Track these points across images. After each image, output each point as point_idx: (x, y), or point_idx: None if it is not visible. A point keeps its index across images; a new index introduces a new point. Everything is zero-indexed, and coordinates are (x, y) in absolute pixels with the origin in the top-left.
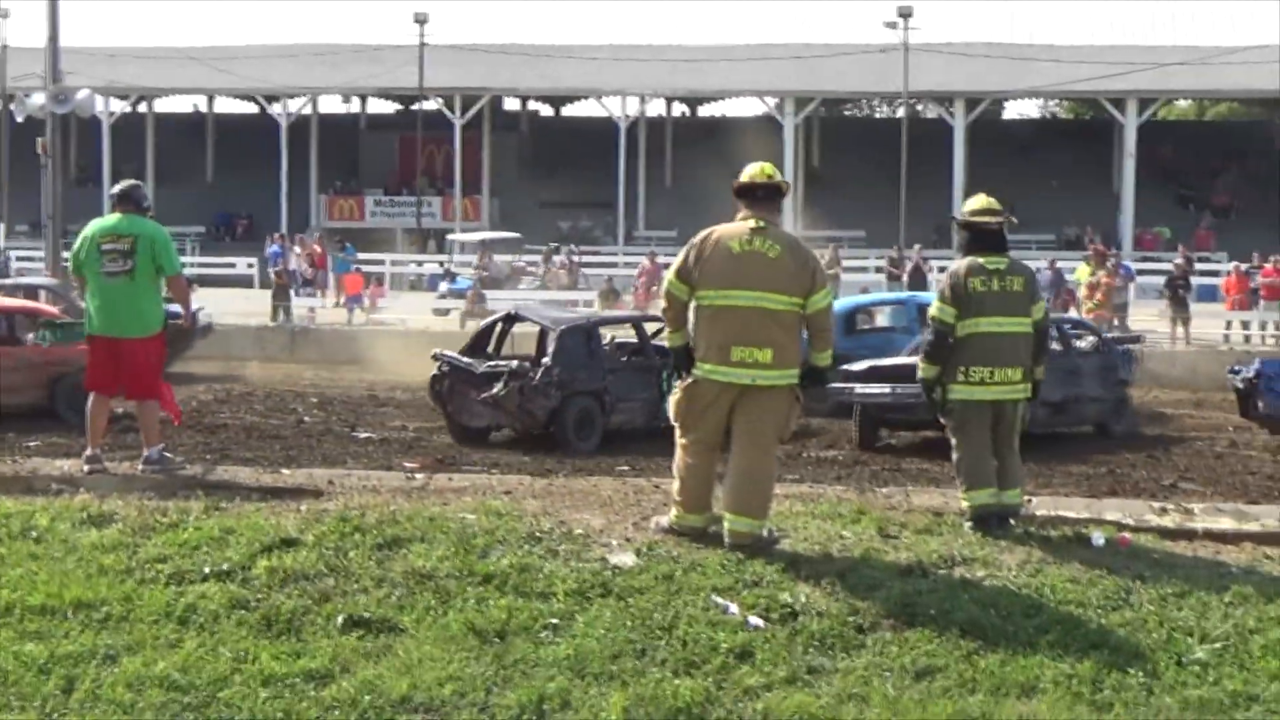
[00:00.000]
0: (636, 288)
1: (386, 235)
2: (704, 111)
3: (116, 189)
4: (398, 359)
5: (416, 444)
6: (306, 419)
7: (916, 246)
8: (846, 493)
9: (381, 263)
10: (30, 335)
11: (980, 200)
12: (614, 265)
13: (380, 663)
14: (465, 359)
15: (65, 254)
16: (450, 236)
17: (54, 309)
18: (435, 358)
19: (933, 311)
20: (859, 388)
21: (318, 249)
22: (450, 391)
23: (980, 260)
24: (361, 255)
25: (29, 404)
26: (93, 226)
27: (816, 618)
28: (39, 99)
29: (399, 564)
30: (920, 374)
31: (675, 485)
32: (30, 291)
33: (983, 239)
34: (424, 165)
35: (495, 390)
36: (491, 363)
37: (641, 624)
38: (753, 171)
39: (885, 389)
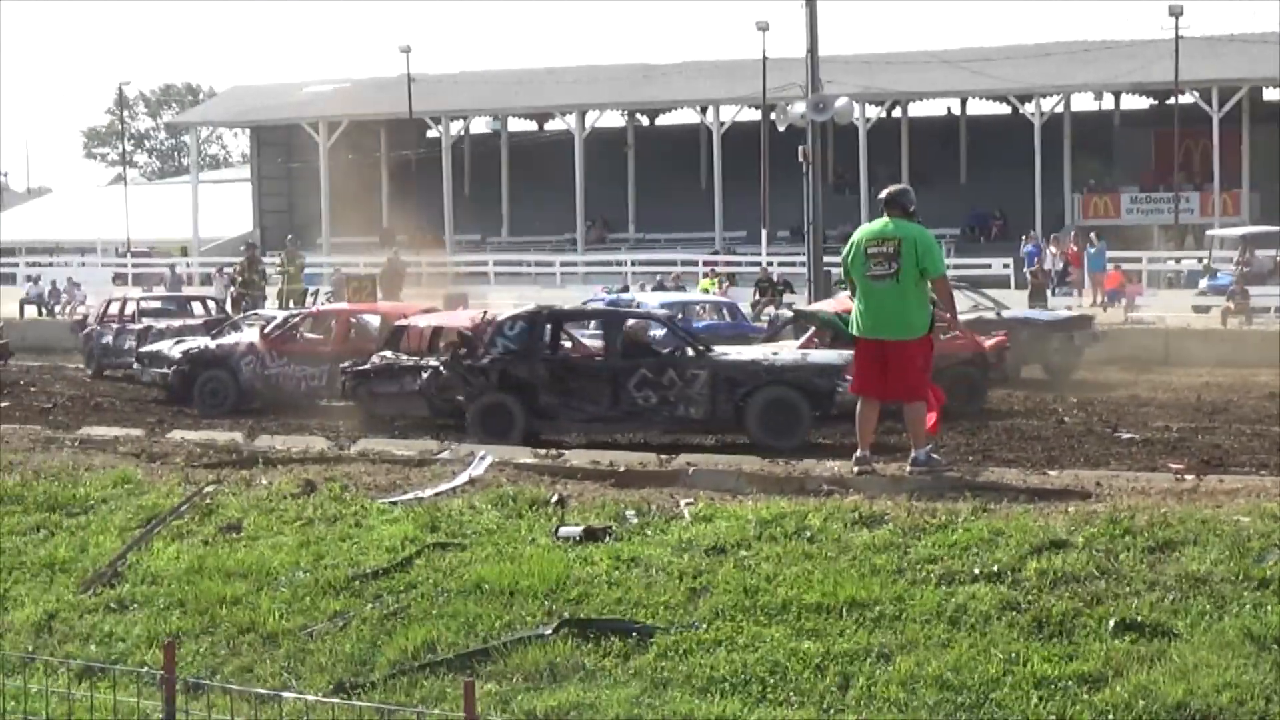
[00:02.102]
0: None
1: (1143, 232)
2: None
3: (884, 193)
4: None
5: (1181, 444)
6: (1067, 419)
7: None
8: None
9: (1138, 260)
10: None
11: None
12: None
13: (1154, 668)
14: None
15: (828, 258)
16: (1210, 232)
17: None
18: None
19: None
20: None
21: (1073, 247)
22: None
23: None
24: (1117, 253)
25: None
26: (860, 231)
27: None
28: (799, 108)
29: (1171, 567)
30: None
31: None
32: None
33: None
34: (1181, 160)
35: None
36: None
37: None
38: None
39: None
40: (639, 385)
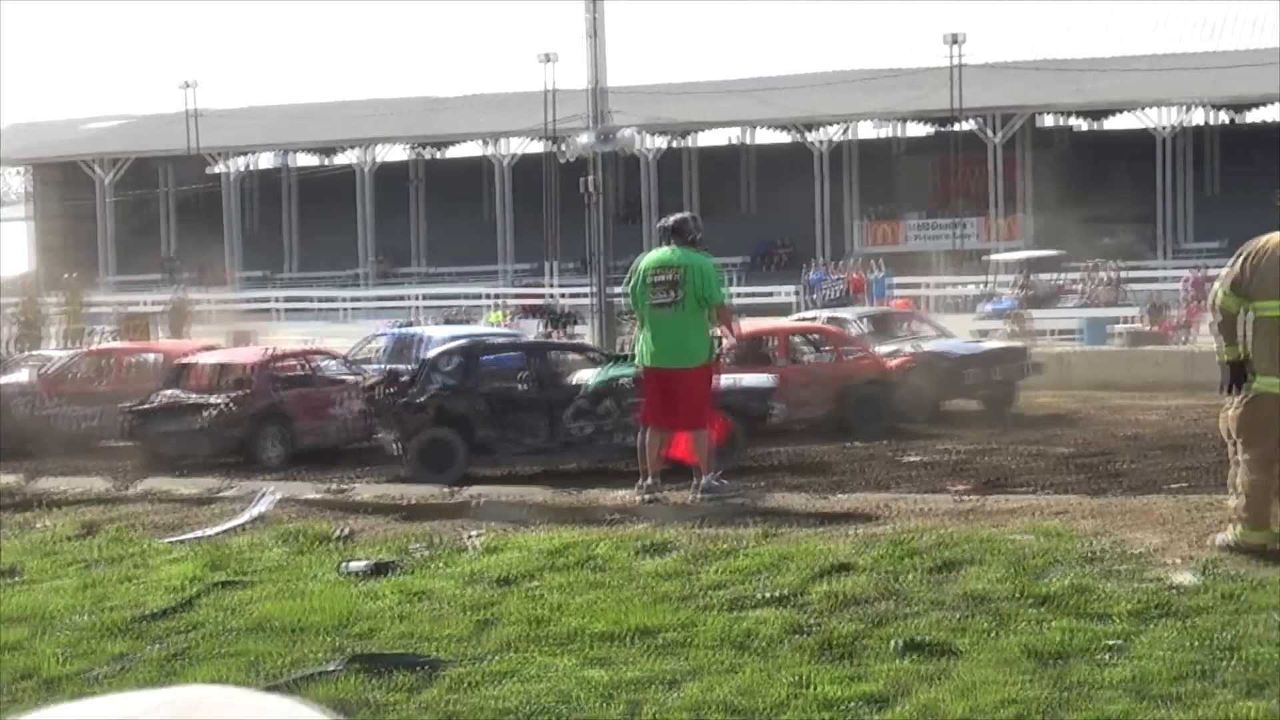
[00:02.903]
0: (1183, 302)
1: (925, 257)
2: (1252, 118)
3: (668, 222)
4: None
5: (964, 466)
6: (853, 444)
7: None
8: None
9: (921, 285)
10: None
11: None
12: (1158, 280)
13: (938, 686)
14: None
15: (613, 289)
16: (990, 257)
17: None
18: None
19: None
20: None
21: (856, 274)
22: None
23: None
24: (901, 278)
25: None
26: (643, 260)
27: None
28: (584, 139)
29: (954, 587)
30: None
31: (1237, 502)
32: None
33: None
34: (962, 186)
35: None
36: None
37: (1205, 645)
38: None
39: None
40: (575, 416)
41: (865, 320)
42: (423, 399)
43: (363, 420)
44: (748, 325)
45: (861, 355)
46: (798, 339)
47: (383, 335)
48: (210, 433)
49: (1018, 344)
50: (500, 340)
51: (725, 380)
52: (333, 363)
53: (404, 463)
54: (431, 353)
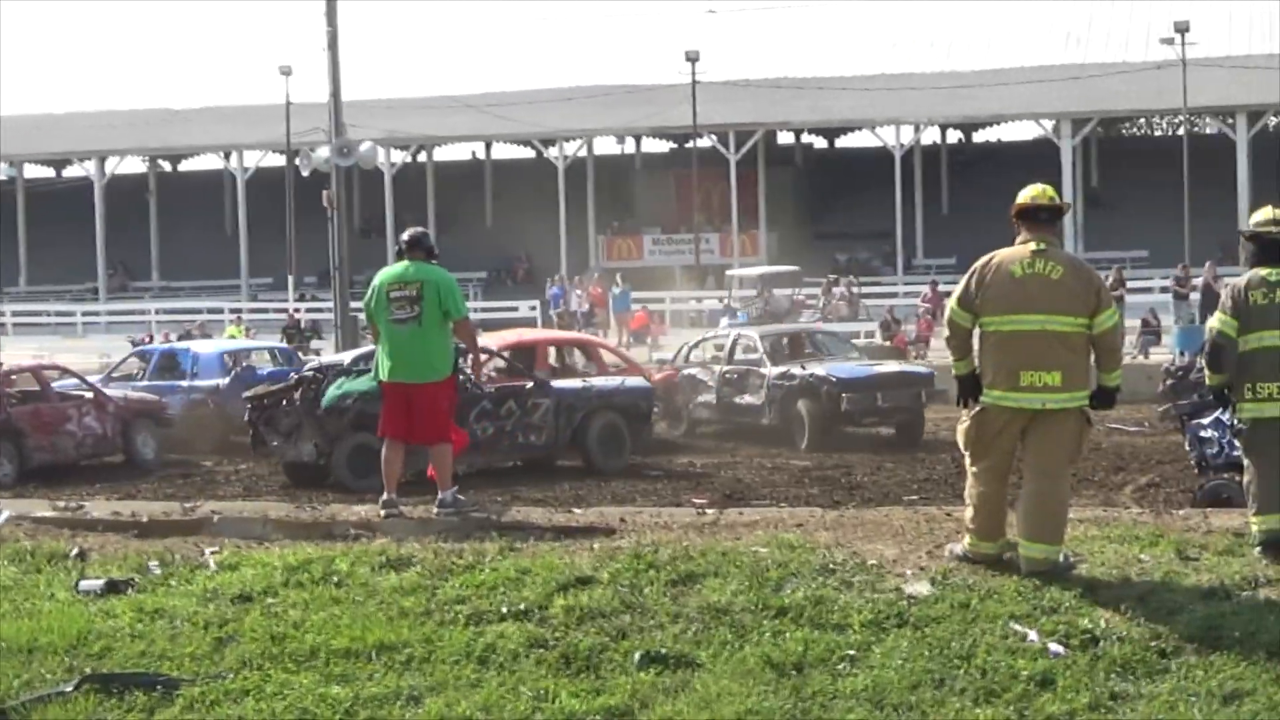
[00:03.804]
0: (919, 317)
1: (665, 272)
2: (979, 137)
3: (405, 236)
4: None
5: (704, 479)
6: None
7: (1208, 263)
8: (1142, 515)
9: (662, 300)
10: None
11: (1266, 211)
12: (894, 295)
13: (679, 698)
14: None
15: (355, 303)
16: (729, 272)
17: None
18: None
19: (1212, 323)
20: None
21: (597, 289)
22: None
23: (1262, 273)
24: (641, 293)
25: None
26: (381, 275)
27: (1118, 643)
28: (323, 153)
29: (694, 599)
30: (1208, 383)
31: (968, 513)
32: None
33: (1268, 250)
34: (700, 202)
35: None
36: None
37: (939, 653)
38: (1033, 193)
39: None
40: (478, 418)
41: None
42: (347, 404)
43: (100, 437)
44: (511, 336)
45: (626, 367)
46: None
47: (145, 351)
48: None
49: (916, 369)
50: None
51: (611, 381)
52: (70, 380)
53: (330, 470)
54: (344, 359)
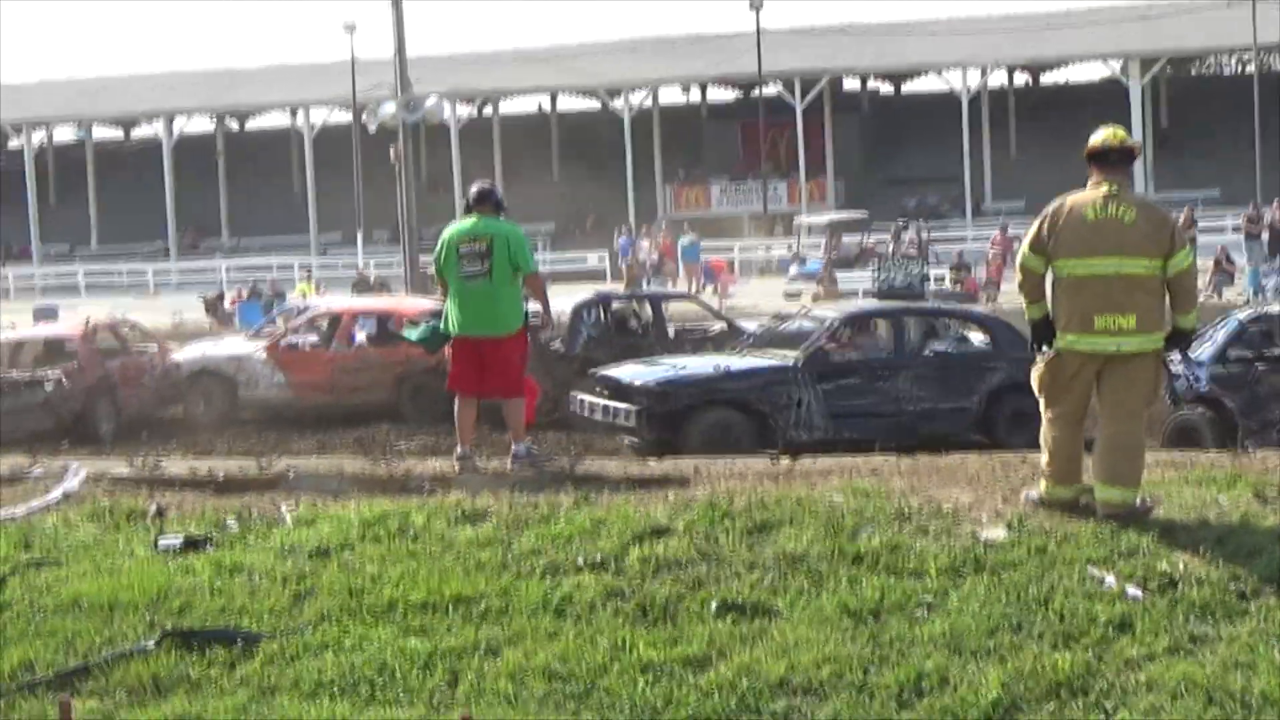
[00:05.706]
0: (989, 261)
1: (733, 221)
2: (1047, 79)
3: (472, 191)
4: None
5: None
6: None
7: (1276, 201)
8: (1220, 457)
9: (730, 249)
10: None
11: None
12: (963, 240)
13: (756, 646)
14: None
15: (425, 257)
16: (797, 220)
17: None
18: None
19: None
20: None
21: (666, 240)
22: None
23: None
24: (709, 242)
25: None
26: (450, 230)
27: (1196, 585)
28: (389, 108)
29: (770, 548)
30: None
31: (1043, 458)
32: None
33: None
34: (767, 150)
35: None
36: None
37: (1016, 598)
38: (1104, 135)
39: None
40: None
41: None
42: (576, 349)
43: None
44: None
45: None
46: None
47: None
48: (51, 407)
49: None
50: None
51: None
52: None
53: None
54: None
